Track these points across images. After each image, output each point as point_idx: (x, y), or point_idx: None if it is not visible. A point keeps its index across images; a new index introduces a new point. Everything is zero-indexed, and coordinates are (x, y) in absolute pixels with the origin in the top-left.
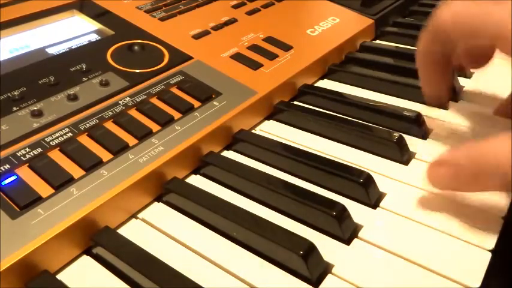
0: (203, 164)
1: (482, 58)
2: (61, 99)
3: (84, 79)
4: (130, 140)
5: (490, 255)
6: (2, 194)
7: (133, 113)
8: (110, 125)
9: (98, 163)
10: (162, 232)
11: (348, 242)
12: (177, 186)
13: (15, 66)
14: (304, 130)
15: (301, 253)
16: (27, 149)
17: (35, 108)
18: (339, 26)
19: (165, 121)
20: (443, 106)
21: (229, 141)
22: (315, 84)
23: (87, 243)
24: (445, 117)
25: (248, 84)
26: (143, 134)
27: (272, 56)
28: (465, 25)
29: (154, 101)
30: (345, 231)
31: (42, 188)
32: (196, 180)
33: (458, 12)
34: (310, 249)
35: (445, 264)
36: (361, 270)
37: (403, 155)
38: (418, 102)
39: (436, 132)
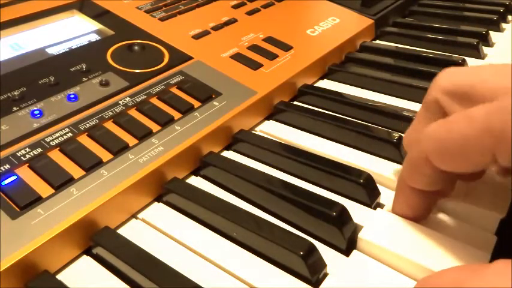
0: (203, 164)
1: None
2: (61, 99)
3: (84, 79)
4: (130, 140)
5: (489, 256)
6: (2, 194)
7: (133, 113)
8: (110, 125)
9: (98, 163)
10: (162, 232)
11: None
12: (177, 186)
13: (15, 66)
14: (304, 130)
15: (301, 253)
16: (27, 149)
17: (35, 108)
18: (339, 26)
19: (165, 121)
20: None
21: (229, 141)
22: (315, 84)
23: (87, 243)
24: None
25: (248, 84)
26: (143, 134)
27: (272, 56)
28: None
29: (154, 101)
30: (345, 231)
31: (42, 188)
32: (196, 181)
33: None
34: (310, 249)
35: (444, 264)
36: (361, 271)
37: (403, 156)
38: (418, 102)
39: None
